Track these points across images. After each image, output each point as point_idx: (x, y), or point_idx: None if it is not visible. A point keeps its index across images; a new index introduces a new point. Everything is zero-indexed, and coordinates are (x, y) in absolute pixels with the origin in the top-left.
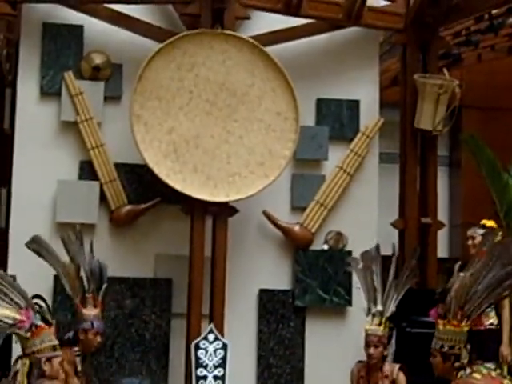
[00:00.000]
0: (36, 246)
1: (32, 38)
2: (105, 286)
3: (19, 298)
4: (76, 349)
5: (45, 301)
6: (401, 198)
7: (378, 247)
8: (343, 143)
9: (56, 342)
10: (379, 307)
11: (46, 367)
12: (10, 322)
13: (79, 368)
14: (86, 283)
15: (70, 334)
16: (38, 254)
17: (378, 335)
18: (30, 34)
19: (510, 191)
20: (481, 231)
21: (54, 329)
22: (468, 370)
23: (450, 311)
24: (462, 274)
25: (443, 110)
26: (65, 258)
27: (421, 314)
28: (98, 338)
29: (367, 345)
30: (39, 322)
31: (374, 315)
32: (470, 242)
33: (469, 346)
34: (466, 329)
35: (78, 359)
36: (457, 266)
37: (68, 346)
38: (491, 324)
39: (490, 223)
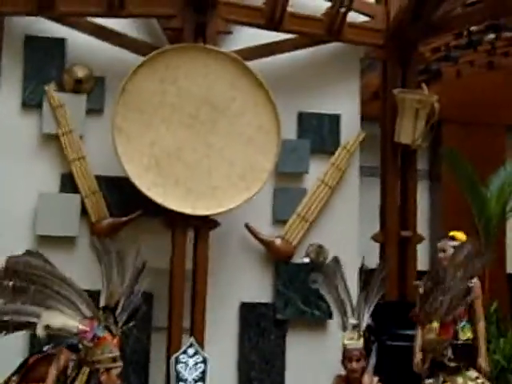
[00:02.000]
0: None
1: (14, 50)
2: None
3: (85, 307)
4: (73, 356)
5: (113, 312)
6: (381, 211)
7: (336, 259)
8: (324, 157)
9: (116, 354)
10: (353, 320)
11: (104, 377)
12: (74, 331)
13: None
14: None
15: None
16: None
17: (358, 349)
18: (13, 46)
19: (488, 205)
20: (452, 243)
21: (117, 340)
22: (441, 378)
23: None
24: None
25: (422, 124)
26: None
27: (401, 327)
28: None
29: (349, 359)
30: (102, 334)
31: (350, 329)
32: (441, 254)
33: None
34: (432, 337)
35: (71, 364)
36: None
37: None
38: (467, 339)
39: (460, 235)
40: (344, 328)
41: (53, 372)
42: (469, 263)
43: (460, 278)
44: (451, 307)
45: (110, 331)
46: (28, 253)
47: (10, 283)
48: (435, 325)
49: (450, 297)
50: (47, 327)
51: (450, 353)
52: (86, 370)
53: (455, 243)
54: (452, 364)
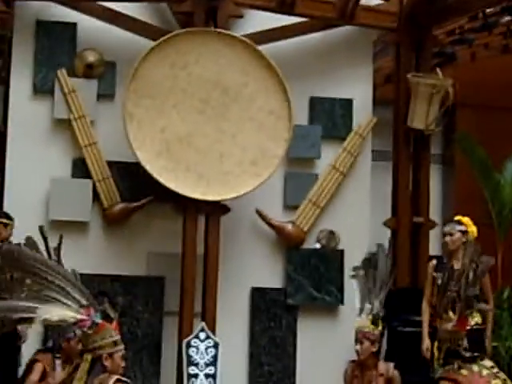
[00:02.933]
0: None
1: (25, 36)
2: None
3: (80, 296)
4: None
5: (108, 297)
6: (393, 197)
7: (383, 248)
8: (336, 142)
9: (117, 338)
10: (369, 305)
11: (107, 363)
12: (72, 320)
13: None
14: None
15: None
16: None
17: (363, 331)
18: (24, 32)
19: (502, 190)
20: (458, 227)
21: (115, 324)
22: (456, 365)
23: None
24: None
25: (436, 109)
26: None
27: (412, 313)
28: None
29: (355, 342)
30: (99, 320)
31: (364, 314)
32: (448, 238)
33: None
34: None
35: (58, 362)
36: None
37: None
38: (476, 323)
39: (466, 219)
40: (360, 313)
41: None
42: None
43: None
44: (467, 304)
45: (108, 316)
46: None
47: (7, 275)
48: (452, 315)
49: (466, 295)
50: (45, 321)
51: (465, 343)
52: (87, 357)
53: (462, 227)
54: (467, 354)
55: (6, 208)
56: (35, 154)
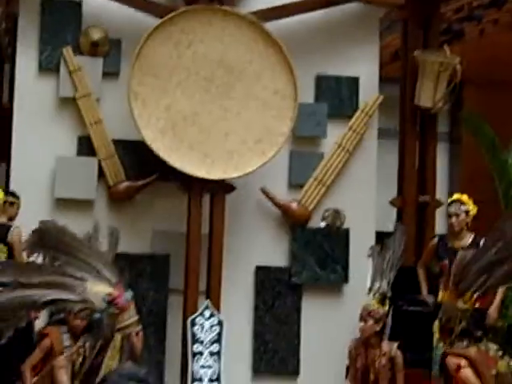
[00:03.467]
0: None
1: (31, 13)
2: None
3: (111, 274)
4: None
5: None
6: (399, 175)
7: (400, 228)
8: (342, 120)
9: (137, 317)
10: (377, 284)
11: (135, 340)
12: (107, 299)
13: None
14: None
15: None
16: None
17: (367, 310)
18: (29, 9)
19: (509, 169)
20: (463, 208)
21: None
22: (465, 343)
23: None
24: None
25: (443, 87)
26: None
27: (416, 292)
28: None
29: (359, 319)
30: (130, 297)
31: (372, 293)
32: (454, 219)
33: (464, 324)
34: (460, 306)
35: (66, 337)
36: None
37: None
38: None
39: (465, 198)
40: (369, 292)
41: (37, 353)
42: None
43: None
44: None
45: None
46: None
47: (45, 254)
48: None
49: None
50: (87, 300)
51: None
52: (117, 336)
53: (466, 207)
54: (479, 333)
55: (12, 186)
56: (41, 132)
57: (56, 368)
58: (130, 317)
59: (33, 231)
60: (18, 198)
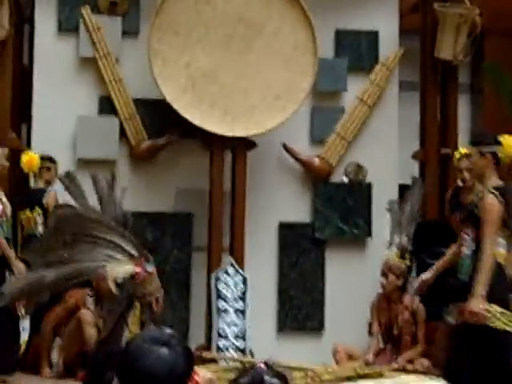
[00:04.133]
0: (68, 182)
1: None
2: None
3: (131, 248)
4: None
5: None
6: (421, 128)
7: (418, 181)
8: (362, 74)
9: (159, 283)
10: (397, 239)
11: (156, 306)
12: (130, 273)
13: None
14: None
15: None
16: (68, 189)
17: (388, 264)
18: None
19: None
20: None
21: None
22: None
23: None
24: None
25: (464, 39)
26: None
27: (440, 245)
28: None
29: (381, 274)
30: (151, 269)
31: (393, 247)
32: (465, 174)
33: None
34: None
35: (90, 299)
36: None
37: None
38: None
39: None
40: (389, 246)
41: (60, 310)
42: None
43: None
44: None
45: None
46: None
47: (66, 236)
48: None
49: None
50: (115, 280)
51: None
52: (137, 303)
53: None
54: None
55: (34, 147)
56: (61, 93)
57: (83, 322)
58: (151, 284)
59: (50, 216)
60: (54, 162)
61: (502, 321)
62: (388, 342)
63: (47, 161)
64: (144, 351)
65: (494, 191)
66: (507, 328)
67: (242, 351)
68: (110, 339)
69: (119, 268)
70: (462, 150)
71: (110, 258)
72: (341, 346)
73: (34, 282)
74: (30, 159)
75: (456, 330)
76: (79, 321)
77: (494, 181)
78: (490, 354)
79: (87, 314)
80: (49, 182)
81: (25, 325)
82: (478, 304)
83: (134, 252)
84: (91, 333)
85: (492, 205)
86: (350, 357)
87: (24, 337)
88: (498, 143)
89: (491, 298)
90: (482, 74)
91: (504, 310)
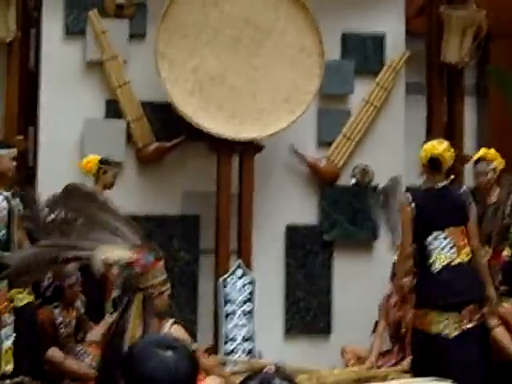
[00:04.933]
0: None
1: None
2: None
3: (134, 236)
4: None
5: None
6: (428, 130)
7: (396, 179)
8: (369, 77)
9: (165, 276)
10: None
11: (158, 301)
12: (127, 260)
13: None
14: None
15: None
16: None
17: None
18: None
19: None
20: (490, 166)
21: (163, 262)
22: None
23: None
24: None
25: (469, 42)
26: None
27: None
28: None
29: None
30: (152, 259)
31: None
32: (481, 178)
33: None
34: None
35: (57, 311)
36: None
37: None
38: (506, 255)
39: (492, 153)
40: (393, 248)
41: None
42: None
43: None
44: (503, 237)
45: (156, 255)
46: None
47: (63, 213)
48: (487, 249)
49: (502, 226)
50: (104, 261)
51: (500, 277)
52: (139, 295)
53: (493, 165)
54: (503, 287)
55: (41, 150)
56: (68, 96)
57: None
58: (155, 277)
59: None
60: (111, 165)
61: (441, 326)
62: (395, 342)
63: (104, 164)
64: (147, 354)
65: None
66: (445, 332)
67: (250, 353)
68: (115, 338)
69: (116, 251)
70: (481, 153)
71: (111, 241)
72: (349, 348)
73: (32, 256)
74: (87, 161)
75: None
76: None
77: None
78: (434, 358)
79: (55, 352)
80: (107, 186)
81: (7, 331)
82: None
83: (136, 240)
84: (70, 366)
85: None
86: (359, 358)
87: (7, 344)
88: None
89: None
90: (488, 77)
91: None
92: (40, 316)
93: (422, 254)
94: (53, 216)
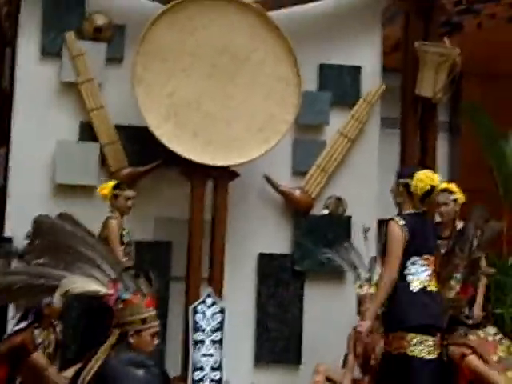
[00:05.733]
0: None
1: None
2: None
3: (110, 269)
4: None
5: (146, 271)
6: (401, 164)
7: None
8: (345, 109)
9: (147, 315)
10: (365, 273)
11: (133, 340)
12: (97, 293)
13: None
14: None
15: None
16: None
17: (358, 296)
18: None
19: (507, 159)
20: (452, 197)
21: (149, 299)
22: (462, 331)
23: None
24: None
25: (443, 78)
26: None
27: None
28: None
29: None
30: (127, 296)
31: (361, 280)
32: (443, 208)
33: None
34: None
35: (37, 332)
36: None
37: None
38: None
39: (454, 186)
40: (356, 280)
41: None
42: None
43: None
44: (471, 271)
45: (140, 291)
46: (59, 215)
47: (39, 245)
48: (454, 283)
49: (471, 260)
50: (66, 293)
51: (467, 310)
52: (115, 331)
53: (455, 196)
54: (470, 321)
55: (12, 171)
56: (42, 117)
57: (38, 367)
58: (132, 314)
59: (32, 227)
60: (122, 189)
61: (419, 348)
62: (365, 373)
63: (116, 188)
64: (120, 373)
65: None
66: (421, 354)
67: (219, 383)
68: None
69: (84, 283)
70: (444, 185)
71: (86, 273)
72: (322, 367)
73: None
74: (102, 188)
75: (383, 358)
76: (34, 367)
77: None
78: (409, 381)
79: (39, 358)
80: (122, 211)
81: None
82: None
83: (112, 274)
84: (53, 374)
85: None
86: (330, 380)
87: None
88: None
89: (407, 326)
90: (460, 114)
91: (421, 337)
92: (20, 338)
93: (397, 278)
94: (32, 246)
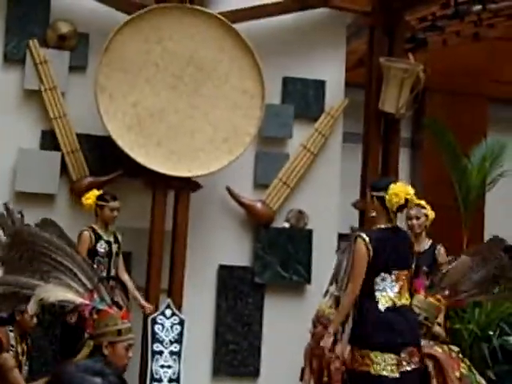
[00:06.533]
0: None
1: None
2: None
3: (87, 279)
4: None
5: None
6: (362, 178)
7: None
8: (308, 122)
9: (123, 326)
10: (332, 288)
11: (107, 351)
12: (71, 305)
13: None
14: None
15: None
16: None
17: (317, 316)
18: None
19: (469, 175)
20: (423, 211)
21: (125, 312)
22: (431, 343)
23: (437, 286)
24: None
25: (407, 93)
26: None
27: None
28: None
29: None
30: (102, 307)
31: (328, 296)
32: (415, 221)
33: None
34: (443, 307)
35: (11, 335)
36: None
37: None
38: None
39: (424, 203)
40: (325, 295)
41: None
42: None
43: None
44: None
45: (116, 303)
46: (42, 221)
47: (17, 254)
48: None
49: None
50: (40, 301)
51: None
52: (90, 342)
53: (426, 211)
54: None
55: None
56: (3, 124)
57: (6, 368)
58: (107, 326)
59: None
60: (106, 200)
61: (381, 366)
62: None
63: (100, 199)
64: (76, 381)
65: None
66: (383, 373)
67: None
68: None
69: (58, 292)
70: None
71: (62, 282)
72: None
73: None
74: (86, 198)
75: (348, 375)
76: (1, 366)
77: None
78: None
79: (9, 359)
80: (106, 221)
81: None
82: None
83: (88, 284)
84: (17, 377)
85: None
86: None
87: None
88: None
89: (371, 345)
90: (423, 130)
91: (384, 356)
92: None
93: (365, 295)
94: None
